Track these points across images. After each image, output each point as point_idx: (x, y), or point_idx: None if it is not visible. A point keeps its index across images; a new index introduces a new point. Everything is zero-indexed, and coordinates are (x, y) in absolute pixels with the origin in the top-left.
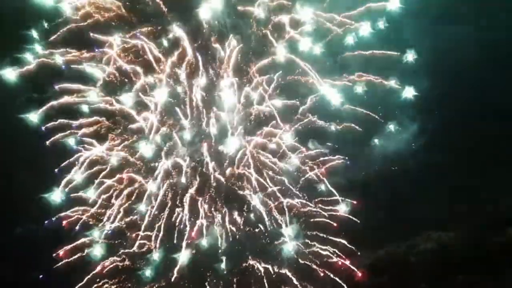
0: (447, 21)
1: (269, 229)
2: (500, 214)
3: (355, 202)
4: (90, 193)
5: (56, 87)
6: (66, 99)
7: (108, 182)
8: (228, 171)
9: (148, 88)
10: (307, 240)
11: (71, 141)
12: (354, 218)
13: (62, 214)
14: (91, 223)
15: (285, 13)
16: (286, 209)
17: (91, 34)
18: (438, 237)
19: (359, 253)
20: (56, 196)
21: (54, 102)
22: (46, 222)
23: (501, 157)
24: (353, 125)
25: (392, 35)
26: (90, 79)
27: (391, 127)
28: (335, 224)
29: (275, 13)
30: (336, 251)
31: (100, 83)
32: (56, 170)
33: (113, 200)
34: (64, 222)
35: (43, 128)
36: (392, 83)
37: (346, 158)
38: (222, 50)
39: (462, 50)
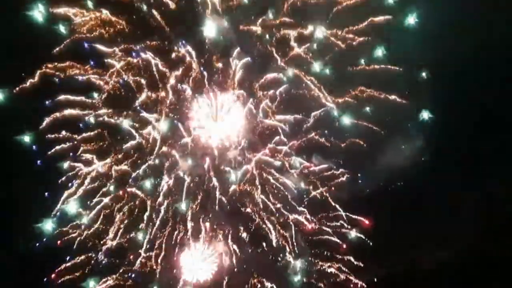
0: (452, 35)
1: (274, 246)
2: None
3: (367, 222)
4: (90, 210)
5: (47, 102)
6: (66, 113)
7: (106, 200)
8: (231, 188)
9: (150, 104)
10: (311, 258)
11: (70, 157)
12: (364, 237)
13: (64, 229)
14: (90, 243)
15: (289, 29)
16: (292, 224)
17: (93, 48)
18: (442, 253)
19: (365, 270)
20: (48, 225)
21: (54, 116)
22: (37, 244)
23: (505, 171)
24: (358, 140)
25: (396, 50)
26: (92, 93)
27: (395, 142)
28: (344, 246)
29: (278, 30)
30: (341, 267)
31: (103, 97)
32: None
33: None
34: (59, 242)
35: (44, 139)
36: (396, 98)
37: (359, 175)
38: (227, 65)
39: (468, 63)
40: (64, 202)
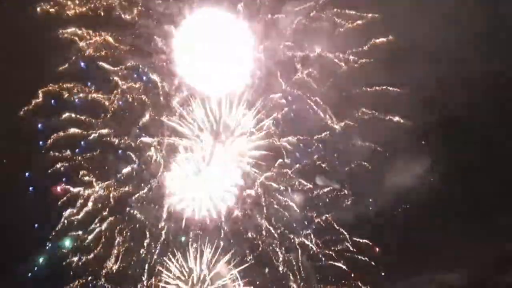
0: (457, 56)
1: (280, 271)
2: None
3: (377, 249)
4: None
5: (38, 125)
6: (64, 135)
7: (105, 224)
8: (235, 213)
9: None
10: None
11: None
12: (369, 260)
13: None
14: (90, 268)
15: (293, 51)
16: (298, 248)
17: (98, 68)
18: (444, 278)
19: None
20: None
21: (54, 137)
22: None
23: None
24: (362, 162)
25: (397, 71)
26: (94, 113)
27: (399, 163)
28: (352, 275)
29: (283, 53)
30: None
31: (105, 118)
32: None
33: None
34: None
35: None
36: (400, 119)
37: (370, 200)
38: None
39: (474, 82)
40: (63, 225)
